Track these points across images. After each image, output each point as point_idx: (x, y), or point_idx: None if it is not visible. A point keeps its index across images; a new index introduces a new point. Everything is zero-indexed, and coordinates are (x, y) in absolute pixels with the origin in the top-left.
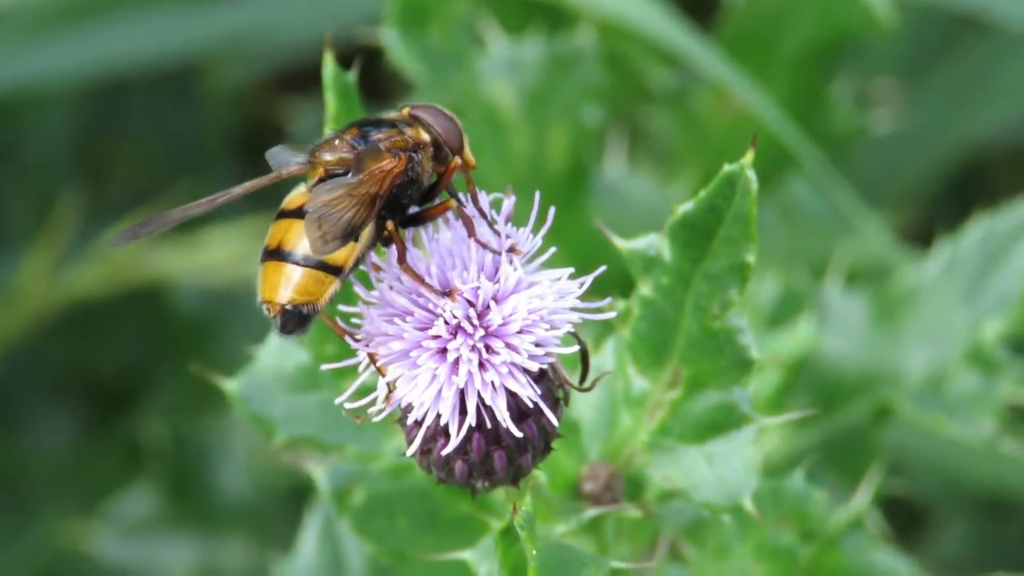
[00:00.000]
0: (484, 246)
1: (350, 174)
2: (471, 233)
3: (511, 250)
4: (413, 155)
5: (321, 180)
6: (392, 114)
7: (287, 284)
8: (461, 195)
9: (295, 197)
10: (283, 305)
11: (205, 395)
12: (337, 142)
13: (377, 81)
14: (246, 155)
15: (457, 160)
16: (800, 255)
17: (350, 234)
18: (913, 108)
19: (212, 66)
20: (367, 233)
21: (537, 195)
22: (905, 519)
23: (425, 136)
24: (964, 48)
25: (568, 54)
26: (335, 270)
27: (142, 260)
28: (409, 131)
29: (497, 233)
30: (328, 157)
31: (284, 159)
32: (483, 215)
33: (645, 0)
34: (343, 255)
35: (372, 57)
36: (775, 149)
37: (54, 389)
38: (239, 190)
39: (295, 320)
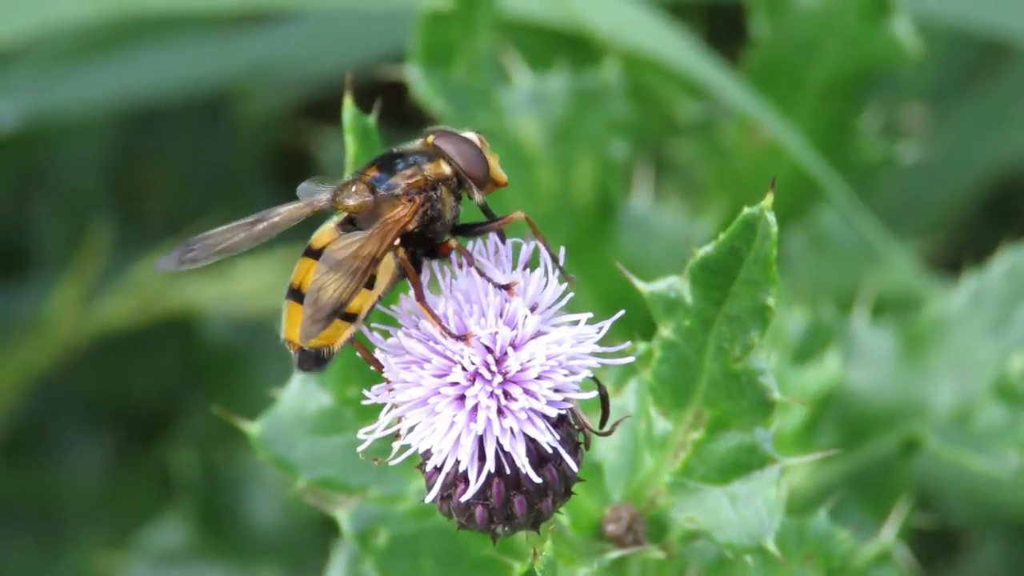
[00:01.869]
0: (496, 285)
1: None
2: (493, 282)
3: (507, 288)
4: (432, 193)
5: (348, 220)
6: (416, 144)
7: None
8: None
9: (322, 235)
10: (300, 345)
11: (238, 424)
12: (356, 186)
13: (407, 111)
14: (279, 182)
15: (512, 217)
16: (830, 284)
17: (337, 313)
18: (942, 134)
19: (243, 94)
20: (386, 275)
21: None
22: (939, 544)
23: (446, 169)
24: (993, 73)
25: (594, 88)
26: (351, 317)
27: (172, 291)
28: (428, 167)
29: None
30: (349, 202)
31: (314, 193)
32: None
33: (671, 32)
34: (358, 303)
35: (402, 86)
36: (805, 179)
37: (87, 418)
38: (277, 219)
39: (311, 360)
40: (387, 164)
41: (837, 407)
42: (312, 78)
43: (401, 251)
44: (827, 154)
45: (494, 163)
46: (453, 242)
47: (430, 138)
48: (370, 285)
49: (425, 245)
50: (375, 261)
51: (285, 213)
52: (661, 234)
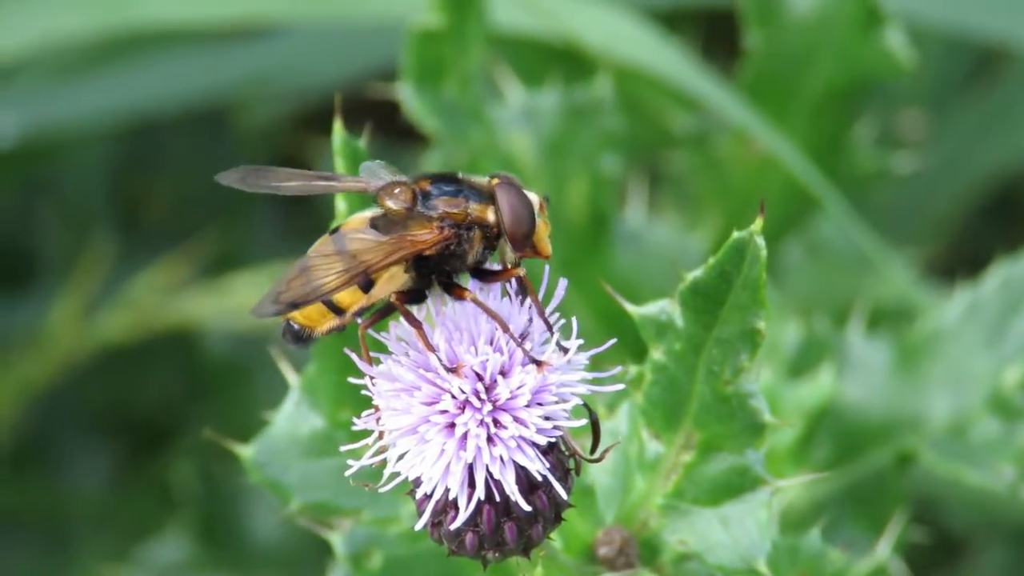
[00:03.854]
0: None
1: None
2: (505, 330)
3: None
4: (464, 232)
5: (383, 215)
6: (481, 179)
7: None
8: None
9: (353, 220)
10: (287, 316)
11: (235, 439)
12: (400, 191)
13: (402, 126)
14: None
15: (520, 271)
16: (828, 294)
17: (302, 303)
18: (941, 140)
19: (242, 106)
20: (388, 284)
21: (547, 268)
22: (941, 551)
23: (491, 217)
24: (991, 78)
25: (586, 103)
26: (338, 311)
27: (171, 305)
28: (476, 206)
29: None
30: (387, 202)
31: (374, 176)
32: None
33: (664, 44)
34: (348, 299)
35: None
36: (801, 190)
37: (90, 430)
38: (336, 183)
39: (291, 334)
40: (441, 183)
41: (832, 421)
42: (310, 89)
43: (394, 296)
44: (822, 165)
45: (543, 232)
46: (469, 294)
47: (494, 181)
48: (367, 288)
49: (442, 275)
50: (369, 272)
51: (347, 182)
52: (655, 248)
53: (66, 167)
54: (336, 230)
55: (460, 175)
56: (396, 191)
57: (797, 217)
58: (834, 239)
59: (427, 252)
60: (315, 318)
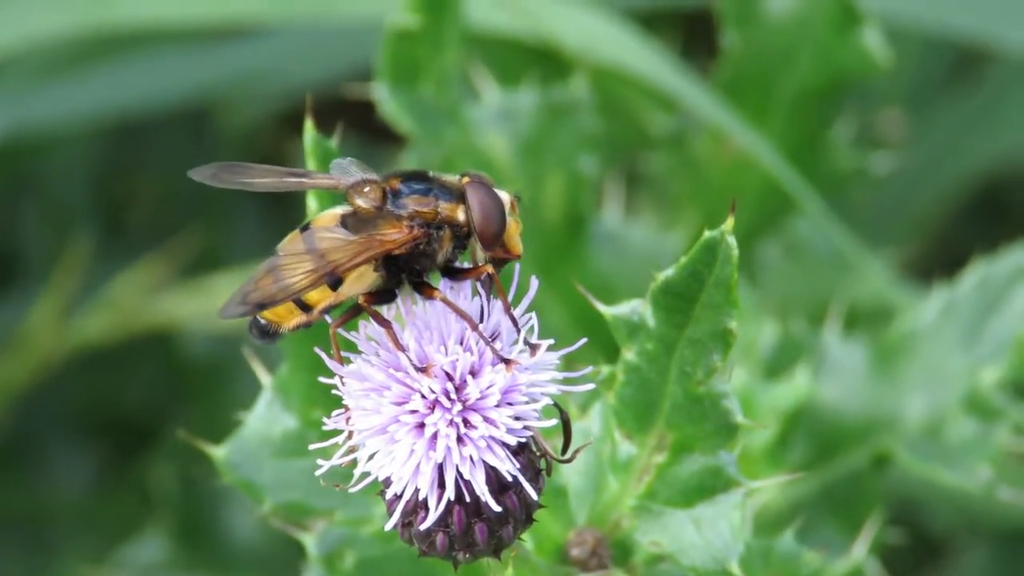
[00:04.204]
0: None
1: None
2: (474, 329)
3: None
4: (434, 231)
5: (352, 213)
6: (451, 177)
7: None
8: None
9: (324, 217)
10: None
11: (215, 440)
12: (370, 189)
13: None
14: (262, 193)
15: (489, 268)
16: (806, 294)
17: (270, 304)
18: (923, 139)
19: (225, 106)
20: (357, 283)
21: (517, 267)
22: (922, 552)
23: (460, 216)
24: (972, 77)
25: (563, 103)
26: (306, 308)
27: (151, 305)
28: (445, 205)
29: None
30: (357, 200)
31: (345, 173)
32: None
33: (640, 44)
34: (316, 297)
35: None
36: (778, 190)
37: (72, 431)
38: (307, 180)
39: (258, 329)
40: (412, 181)
41: (808, 421)
42: (294, 89)
43: (362, 298)
44: (799, 165)
45: (513, 231)
46: (438, 294)
47: (465, 179)
48: (335, 286)
49: (411, 274)
50: (336, 271)
51: (317, 179)
52: (633, 249)
53: (49, 166)
54: (307, 226)
55: (431, 174)
56: (366, 189)
57: (775, 217)
58: (812, 239)
59: (397, 251)
60: (282, 315)
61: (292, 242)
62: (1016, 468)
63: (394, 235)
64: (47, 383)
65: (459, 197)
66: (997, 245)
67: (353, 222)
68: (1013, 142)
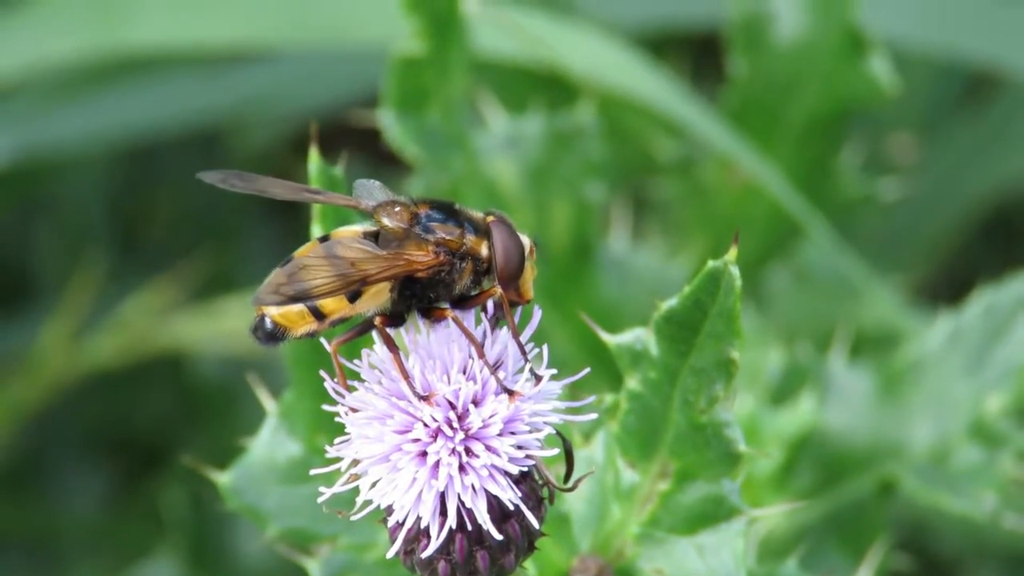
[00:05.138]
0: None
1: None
2: (480, 355)
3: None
4: (457, 261)
5: (375, 232)
6: (476, 212)
7: None
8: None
9: (344, 232)
10: (264, 313)
11: (226, 461)
12: (400, 210)
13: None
14: (273, 214)
15: (497, 290)
16: (814, 319)
17: (302, 299)
18: (933, 163)
19: (238, 128)
20: (372, 300)
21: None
22: (932, 574)
23: (484, 252)
24: (982, 101)
25: (569, 129)
26: (320, 316)
27: (162, 328)
28: (471, 238)
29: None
30: (385, 220)
31: (366, 194)
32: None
33: (648, 70)
34: (332, 306)
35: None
36: (786, 216)
37: (85, 452)
38: (320, 196)
39: (264, 332)
40: (440, 209)
41: (814, 448)
42: (308, 112)
43: (378, 319)
44: (808, 191)
45: (528, 275)
46: (449, 313)
47: (490, 218)
48: (353, 298)
49: (422, 300)
50: (365, 281)
51: (331, 196)
52: (639, 275)
53: (63, 187)
54: (326, 238)
55: (457, 206)
56: (396, 209)
57: (783, 243)
58: (820, 265)
59: (420, 274)
60: (294, 320)
61: (313, 249)
62: (1021, 495)
63: (421, 256)
64: (59, 404)
65: (484, 233)
66: (1009, 268)
67: (383, 239)
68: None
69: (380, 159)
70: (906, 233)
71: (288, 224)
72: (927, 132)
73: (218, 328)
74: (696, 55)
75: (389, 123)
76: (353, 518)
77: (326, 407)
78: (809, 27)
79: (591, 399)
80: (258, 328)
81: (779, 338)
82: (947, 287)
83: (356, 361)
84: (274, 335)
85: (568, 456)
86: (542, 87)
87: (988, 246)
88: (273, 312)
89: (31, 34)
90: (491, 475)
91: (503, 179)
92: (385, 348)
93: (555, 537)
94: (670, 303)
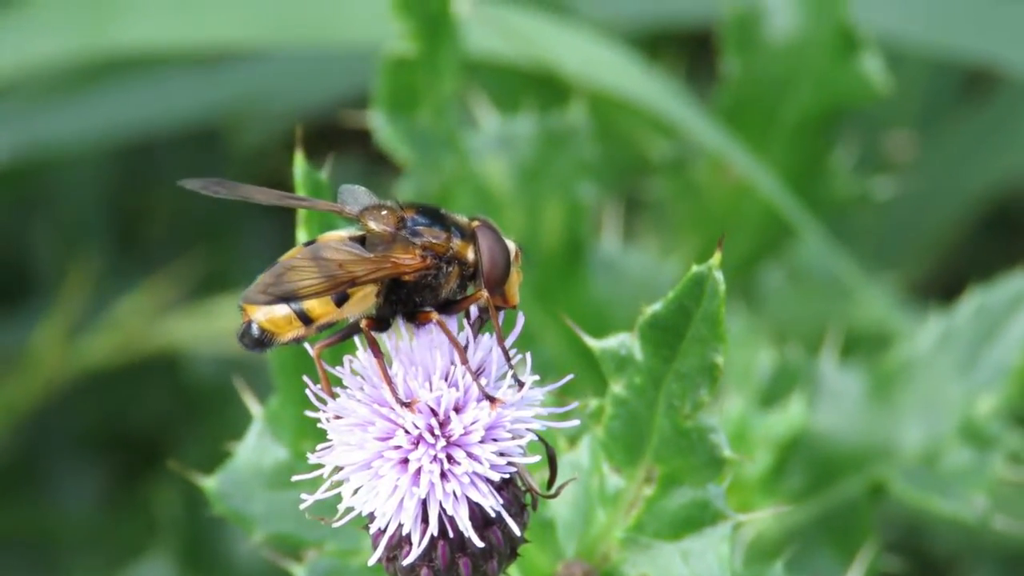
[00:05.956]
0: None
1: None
2: (463, 360)
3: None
4: (443, 265)
5: (361, 237)
6: (462, 217)
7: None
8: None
9: (330, 236)
10: (251, 318)
11: (219, 462)
12: (386, 213)
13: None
14: (270, 214)
15: (483, 293)
16: (808, 318)
17: (289, 299)
18: (930, 160)
19: (235, 125)
20: (359, 304)
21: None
22: (928, 574)
23: (470, 256)
24: (979, 98)
25: (561, 130)
26: (307, 320)
27: (157, 327)
28: (458, 243)
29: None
30: (371, 224)
31: (352, 199)
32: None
33: (640, 70)
34: (319, 310)
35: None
36: (780, 215)
37: (80, 451)
38: (304, 202)
39: (250, 338)
40: (426, 214)
41: (805, 449)
42: (298, 111)
43: (364, 323)
44: (801, 190)
45: (514, 280)
46: (435, 315)
47: (475, 223)
48: (340, 302)
49: (407, 305)
50: (353, 283)
51: (315, 202)
52: (631, 275)
53: (60, 186)
54: (312, 243)
55: (443, 211)
56: (383, 213)
57: (776, 242)
58: (813, 264)
59: (406, 277)
60: (281, 325)
61: (300, 252)
62: (1012, 496)
63: (408, 260)
64: (54, 403)
65: (470, 237)
66: (1008, 265)
67: (369, 242)
68: (1022, 161)
69: (372, 160)
70: (904, 230)
71: (284, 224)
72: (924, 129)
73: (214, 327)
74: (693, 52)
75: (380, 124)
76: (335, 525)
77: (309, 413)
78: (802, 26)
79: (575, 405)
80: (245, 334)
81: (771, 337)
82: (946, 283)
83: (339, 368)
84: (261, 341)
85: (551, 462)
86: (534, 87)
87: (987, 242)
88: (260, 318)
89: (22, 33)
90: (472, 482)
91: (495, 179)
92: (369, 353)
93: (540, 542)
94: (655, 307)
